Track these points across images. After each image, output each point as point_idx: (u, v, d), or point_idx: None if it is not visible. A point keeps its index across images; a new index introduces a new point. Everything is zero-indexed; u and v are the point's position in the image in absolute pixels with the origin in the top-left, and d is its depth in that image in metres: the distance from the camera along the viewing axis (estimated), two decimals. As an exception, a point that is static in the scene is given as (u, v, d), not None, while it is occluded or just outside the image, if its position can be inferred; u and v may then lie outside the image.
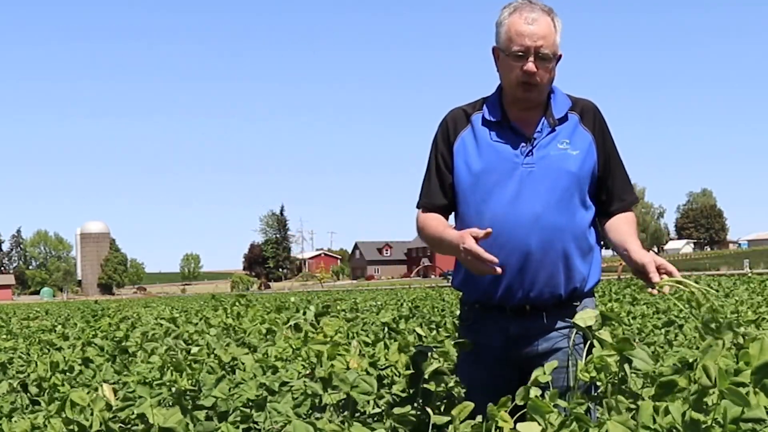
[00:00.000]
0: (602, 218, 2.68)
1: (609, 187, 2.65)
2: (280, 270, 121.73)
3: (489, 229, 2.37)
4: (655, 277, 2.36)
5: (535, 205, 2.52)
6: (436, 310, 11.12)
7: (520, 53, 2.51)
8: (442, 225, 2.67)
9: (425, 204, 2.73)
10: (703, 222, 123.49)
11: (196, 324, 6.18)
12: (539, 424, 1.80)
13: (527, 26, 2.50)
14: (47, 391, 3.49)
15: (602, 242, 2.76)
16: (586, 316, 2.31)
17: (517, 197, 2.54)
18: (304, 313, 4.12)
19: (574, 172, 2.56)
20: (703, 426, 1.64)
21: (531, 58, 2.50)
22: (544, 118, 2.60)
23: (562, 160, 2.56)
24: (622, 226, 2.64)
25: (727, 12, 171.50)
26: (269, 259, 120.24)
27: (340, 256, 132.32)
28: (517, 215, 2.52)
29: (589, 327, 2.27)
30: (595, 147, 2.61)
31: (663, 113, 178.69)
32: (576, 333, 2.48)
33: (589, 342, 2.22)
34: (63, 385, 3.52)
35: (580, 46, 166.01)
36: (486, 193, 2.58)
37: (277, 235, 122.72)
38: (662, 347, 4.56)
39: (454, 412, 1.96)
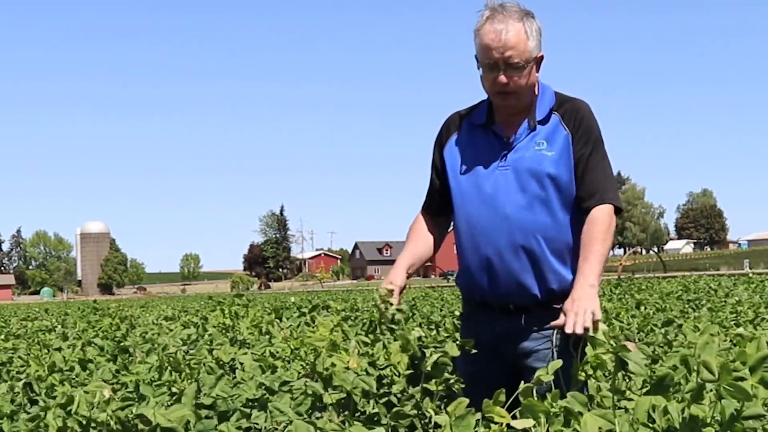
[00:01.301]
0: (580, 215, 2.60)
1: (581, 184, 2.58)
2: (280, 270, 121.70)
3: (395, 291, 2.61)
4: (568, 329, 2.32)
5: (506, 206, 2.57)
6: (436, 310, 11.12)
7: (491, 65, 2.53)
8: (408, 248, 2.80)
9: (423, 206, 2.88)
10: (703, 222, 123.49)
11: (196, 324, 6.18)
12: (534, 421, 1.80)
13: (494, 39, 2.49)
14: (45, 391, 3.48)
15: None
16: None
17: (491, 199, 2.59)
18: (296, 309, 4.13)
19: (549, 172, 2.56)
20: (702, 423, 1.64)
21: (501, 69, 2.52)
22: (525, 122, 2.62)
23: (536, 161, 2.57)
24: (585, 237, 2.52)
25: (727, 12, 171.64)
26: (269, 259, 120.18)
27: (340, 256, 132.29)
28: (489, 217, 2.59)
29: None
30: (571, 146, 2.58)
31: (663, 113, 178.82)
32: (557, 334, 2.50)
33: (582, 342, 2.21)
34: (62, 384, 3.52)
35: (580, 47, 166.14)
36: (466, 195, 2.66)
37: (277, 235, 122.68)
38: (662, 347, 4.55)
39: (449, 408, 1.97)
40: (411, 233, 2.86)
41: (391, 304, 2.58)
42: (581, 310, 2.32)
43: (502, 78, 2.52)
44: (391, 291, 2.63)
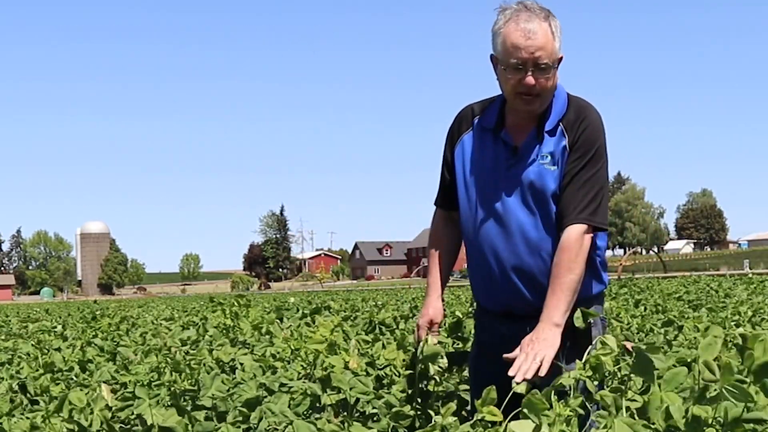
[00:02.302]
0: (557, 231, 2.50)
1: (560, 198, 2.48)
2: (280, 270, 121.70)
3: (431, 339, 2.59)
4: (511, 372, 2.26)
5: (512, 224, 2.52)
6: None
7: (518, 66, 2.42)
8: (437, 270, 2.75)
9: (435, 201, 2.82)
10: (703, 222, 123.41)
11: (196, 324, 6.17)
12: (534, 422, 1.80)
13: (523, 38, 2.38)
14: (43, 391, 3.48)
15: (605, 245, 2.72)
16: (576, 317, 2.35)
17: (496, 214, 2.55)
18: (297, 310, 4.13)
19: (552, 189, 2.48)
20: (704, 423, 1.64)
21: (529, 71, 2.41)
22: (534, 129, 2.52)
23: (539, 176, 2.49)
24: (554, 265, 2.43)
25: (727, 12, 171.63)
26: (269, 259, 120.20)
27: (340, 256, 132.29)
28: (494, 231, 2.55)
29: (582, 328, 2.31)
30: (567, 158, 2.48)
31: (663, 113, 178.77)
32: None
33: (589, 346, 2.21)
34: (57, 384, 3.52)
35: (580, 46, 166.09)
36: (471, 202, 2.61)
37: (277, 236, 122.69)
38: (662, 347, 4.55)
39: (442, 411, 1.98)
40: (433, 250, 2.79)
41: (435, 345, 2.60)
42: (532, 355, 2.29)
43: (530, 79, 2.41)
44: (434, 339, 2.64)
